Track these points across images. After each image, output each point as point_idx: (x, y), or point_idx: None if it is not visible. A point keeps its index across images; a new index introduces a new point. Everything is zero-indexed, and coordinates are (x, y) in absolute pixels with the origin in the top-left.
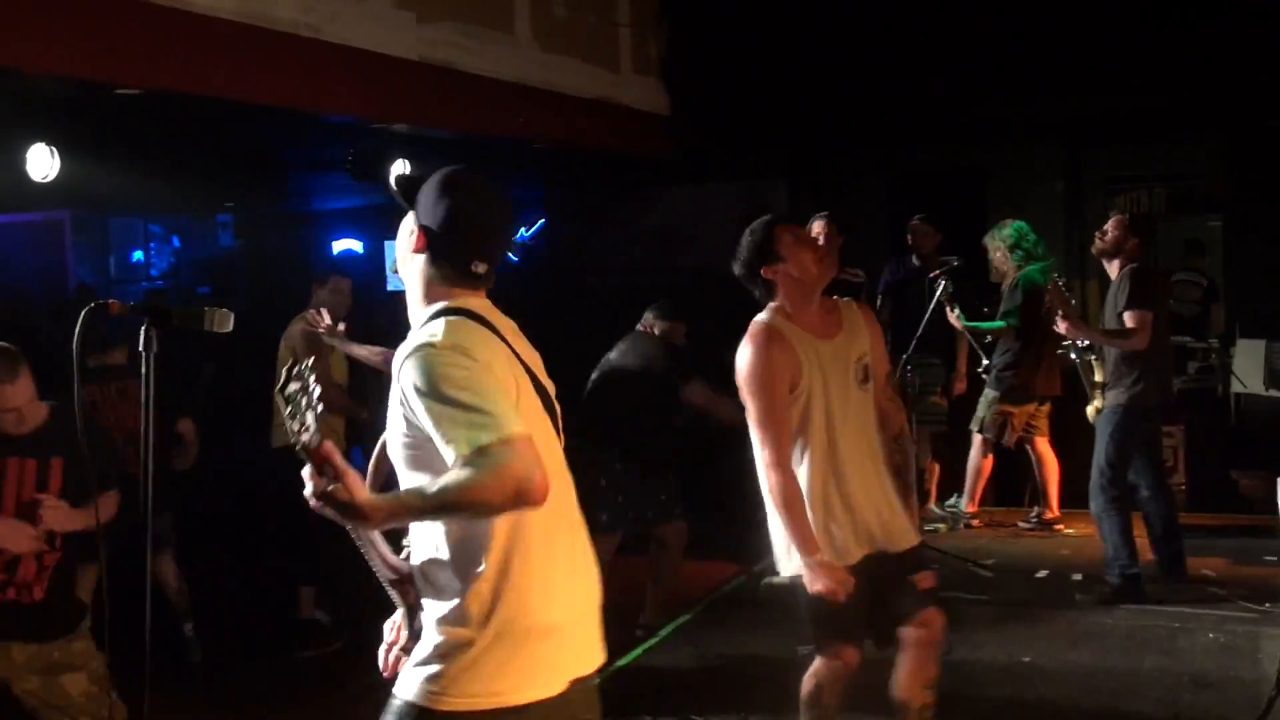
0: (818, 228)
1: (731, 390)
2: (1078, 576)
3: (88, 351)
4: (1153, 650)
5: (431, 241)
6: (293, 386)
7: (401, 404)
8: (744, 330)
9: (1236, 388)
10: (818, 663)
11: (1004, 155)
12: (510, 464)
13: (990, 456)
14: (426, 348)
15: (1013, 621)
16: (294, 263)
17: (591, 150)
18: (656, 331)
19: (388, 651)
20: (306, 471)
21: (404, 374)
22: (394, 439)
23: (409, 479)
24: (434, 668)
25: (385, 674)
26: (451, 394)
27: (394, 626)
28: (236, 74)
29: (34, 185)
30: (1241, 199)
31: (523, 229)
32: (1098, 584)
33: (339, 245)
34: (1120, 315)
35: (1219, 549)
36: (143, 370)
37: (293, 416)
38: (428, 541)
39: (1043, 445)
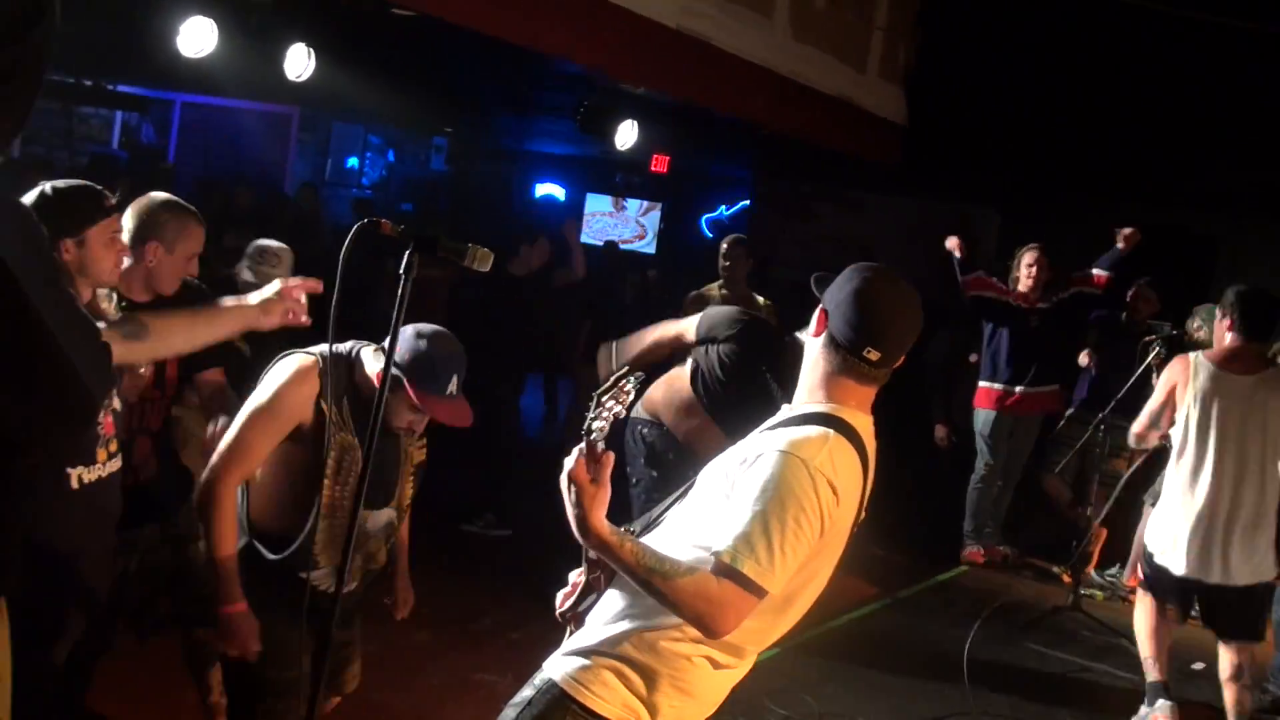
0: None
1: None
2: None
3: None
4: None
5: (830, 323)
6: (609, 393)
7: (740, 468)
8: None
9: None
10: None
11: (1239, 227)
12: (727, 602)
13: None
14: (801, 462)
15: None
16: (496, 196)
17: (817, 145)
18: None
19: (563, 601)
20: (576, 456)
21: (763, 461)
22: (709, 495)
23: (686, 534)
24: (587, 661)
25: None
26: (776, 513)
27: (573, 582)
28: (501, 11)
29: (274, 77)
30: None
31: (723, 207)
32: (1258, 692)
33: (542, 189)
34: None
35: None
36: (399, 292)
37: (594, 416)
38: None
39: None
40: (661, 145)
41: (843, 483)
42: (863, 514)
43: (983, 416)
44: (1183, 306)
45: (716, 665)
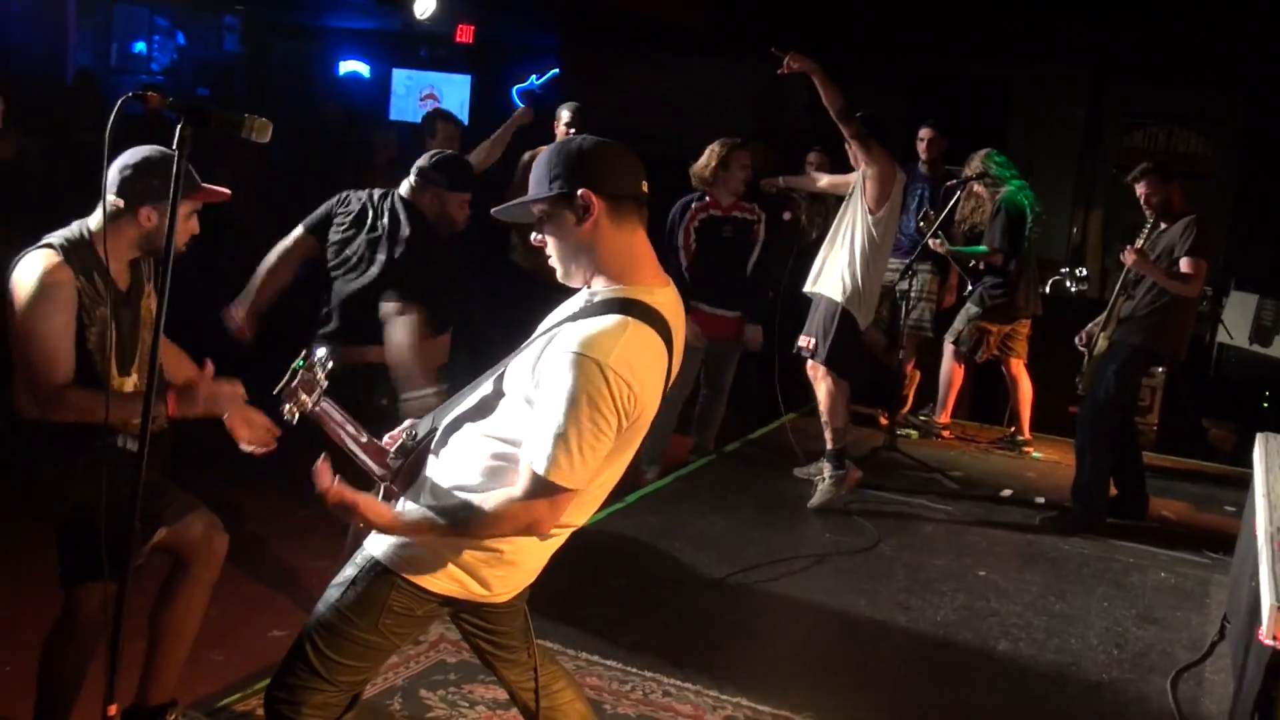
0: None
1: None
2: (1040, 500)
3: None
4: (1104, 581)
5: (598, 190)
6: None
7: (541, 368)
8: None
9: (1222, 338)
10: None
11: (1030, 73)
12: (542, 509)
13: (962, 367)
14: (594, 363)
15: (972, 534)
16: (297, 76)
17: (621, 7)
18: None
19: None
20: (320, 476)
21: (559, 363)
22: (512, 390)
23: (487, 427)
24: (409, 540)
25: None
26: (573, 418)
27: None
28: None
29: None
30: (1258, 153)
31: (534, 76)
32: (1060, 510)
33: (345, 66)
34: (1178, 260)
35: (1182, 493)
36: (174, 171)
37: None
38: (468, 471)
39: (1018, 368)
40: (465, 14)
41: (641, 375)
42: (671, 381)
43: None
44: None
45: (544, 538)
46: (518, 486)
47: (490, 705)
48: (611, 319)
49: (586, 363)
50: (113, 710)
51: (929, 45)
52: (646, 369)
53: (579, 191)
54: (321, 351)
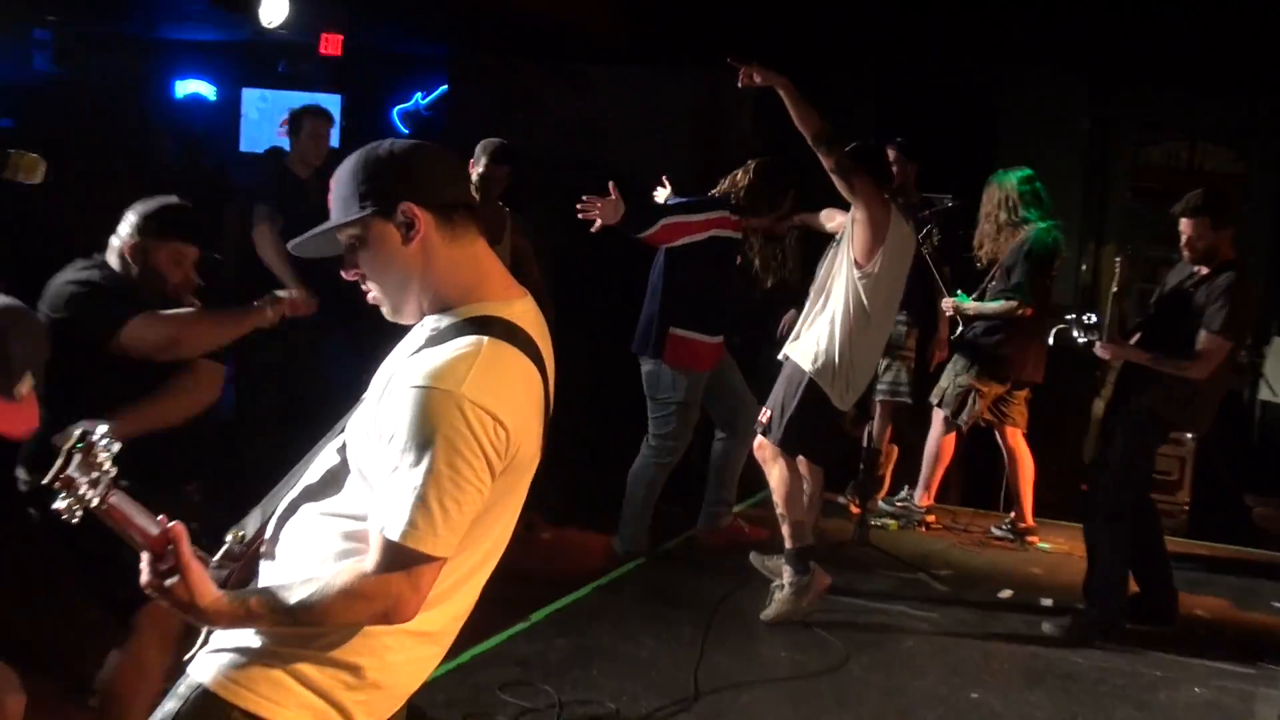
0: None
1: None
2: (1047, 602)
3: None
4: (1126, 701)
5: (424, 202)
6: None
7: (378, 434)
8: None
9: (1264, 394)
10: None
11: (1020, 81)
12: (402, 584)
13: (952, 437)
14: (445, 395)
15: (964, 647)
16: (126, 101)
17: (514, 10)
18: None
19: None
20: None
21: (402, 403)
22: (358, 443)
23: (332, 505)
24: (241, 660)
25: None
26: (436, 469)
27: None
28: None
29: None
30: None
31: (419, 95)
32: (1071, 614)
33: (184, 86)
34: (1200, 329)
35: (1220, 586)
36: None
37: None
38: (315, 564)
39: (1016, 439)
40: (331, 21)
41: (506, 403)
42: (550, 411)
43: (689, 380)
44: (964, 177)
45: (422, 634)
46: (369, 559)
47: None
48: (461, 342)
49: (435, 396)
50: None
51: (897, 49)
52: (513, 395)
53: (400, 206)
54: (102, 428)
